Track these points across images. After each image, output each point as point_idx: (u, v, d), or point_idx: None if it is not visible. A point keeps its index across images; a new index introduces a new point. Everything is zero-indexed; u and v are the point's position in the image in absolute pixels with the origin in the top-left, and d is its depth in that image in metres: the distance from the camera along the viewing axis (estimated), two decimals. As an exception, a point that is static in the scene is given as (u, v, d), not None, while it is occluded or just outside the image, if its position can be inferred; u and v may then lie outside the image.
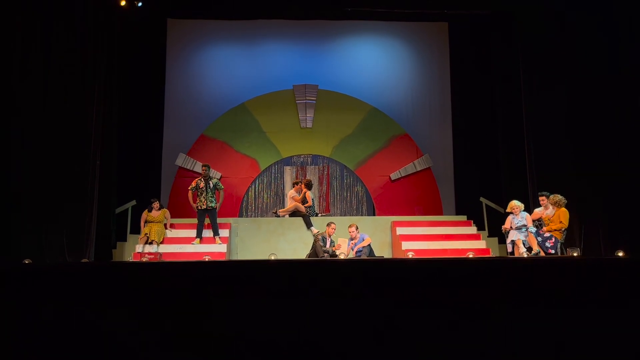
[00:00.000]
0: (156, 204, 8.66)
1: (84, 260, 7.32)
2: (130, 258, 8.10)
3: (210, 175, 8.72)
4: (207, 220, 8.56)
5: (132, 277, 3.64)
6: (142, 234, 8.32)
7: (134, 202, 9.28)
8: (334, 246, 8.19)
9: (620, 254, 6.32)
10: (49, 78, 7.78)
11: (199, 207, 8.47)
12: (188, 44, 10.75)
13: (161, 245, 8.27)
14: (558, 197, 7.51)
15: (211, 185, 8.52)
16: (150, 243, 8.18)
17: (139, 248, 8.16)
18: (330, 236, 8.26)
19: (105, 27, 8.45)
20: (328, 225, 8.30)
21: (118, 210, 9.15)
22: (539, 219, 7.70)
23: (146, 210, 8.65)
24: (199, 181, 8.59)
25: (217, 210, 8.59)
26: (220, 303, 3.41)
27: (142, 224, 8.57)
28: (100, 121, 8.21)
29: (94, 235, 7.97)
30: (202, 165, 8.78)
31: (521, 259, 5.98)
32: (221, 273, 3.63)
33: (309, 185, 9.42)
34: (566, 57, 8.42)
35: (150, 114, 10.32)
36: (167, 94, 10.56)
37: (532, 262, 4.19)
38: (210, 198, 8.46)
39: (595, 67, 8.11)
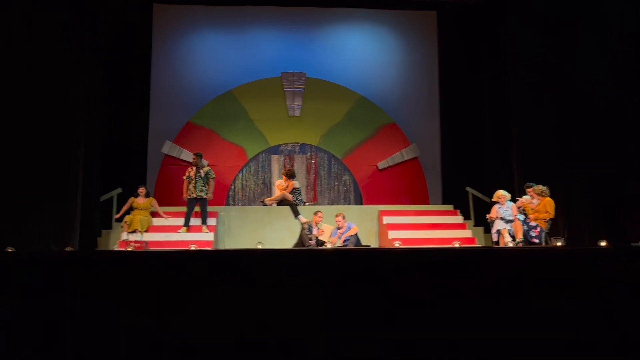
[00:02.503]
0: (141, 190, 8.58)
1: (68, 249, 7.25)
2: (115, 246, 8.04)
3: (203, 164, 8.62)
4: (196, 209, 8.49)
5: (117, 265, 3.61)
6: (123, 222, 8.23)
7: (119, 190, 9.19)
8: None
9: (603, 243, 6.39)
10: (32, 64, 7.63)
11: (189, 196, 8.41)
12: (174, 29, 10.60)
13: (147, 233, 8.20)
14: (541, 187, 7.62)
15: (202, 174, 8.44)
16: (134, 232, 8.11)
17: (124, 236, 8.09)
18: (317, 224, 8.27)
19: (90, 12, 8.30)
20: (315, 214, 8.31)
21: (103, 198, 9.07)
22: (521, 208, 7.77)
23: (133, 197, 8.59)
24: (190, 170, 8.53)
25: (207, 200, 8.50)
26: (205, 292, 3.40)
27: (124, 207, 8.48)
28: (84, 108, 8.09)
29: (79, 224, 7.89)
30: (193, 155, 8.69)
31: (507, 249, 6.04)
32: (207, 262, 3.61)
33: (289, 175, 9.31)
34: (555, 48, 8.43)
35: (136, 101, 10.17)
36: (153, 80, 10.43)
37: (518, 253, 4.23)
38: (200, 187, 8.38)
39: (583, 60, 8.13)
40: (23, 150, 7.39)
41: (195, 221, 8.51)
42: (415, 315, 3.34)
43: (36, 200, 7.41)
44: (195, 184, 8.37)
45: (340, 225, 8.11)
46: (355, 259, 3.64)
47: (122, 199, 8.95)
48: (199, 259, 3.71)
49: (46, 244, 7.33)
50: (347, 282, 3.43)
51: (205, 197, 8.42)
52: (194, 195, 8.37)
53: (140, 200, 8.51)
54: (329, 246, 7.61)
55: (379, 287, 3.40)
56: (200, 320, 3.36)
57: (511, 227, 7.64)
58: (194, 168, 8.49)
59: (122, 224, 8.24)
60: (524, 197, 7.88)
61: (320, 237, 8.03)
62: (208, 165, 8.72)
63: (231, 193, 10.47)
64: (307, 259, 3.64)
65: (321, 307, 3.41)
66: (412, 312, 3.36)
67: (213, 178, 8.59)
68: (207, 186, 8.46)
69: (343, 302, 3.39)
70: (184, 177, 8.55)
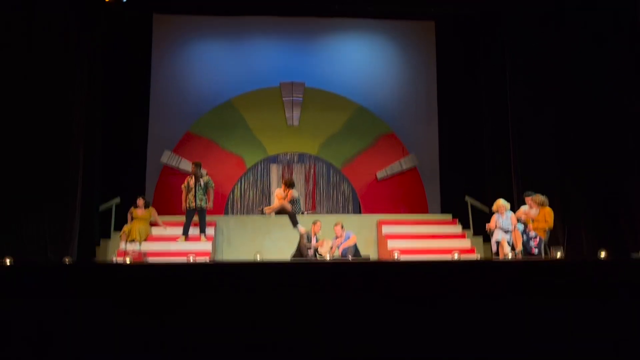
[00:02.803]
0: (140, 201, 8.55)
1: (66, 258, 7.22)
2: (114, 256, 8.01)
3: (202, 173, 8.59)
4: (195, 219, 8.46)
5: (115, 278, 3.59)
6: (122, 232, 8.21)
7: (118, 200, 9.18)
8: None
9: (603, 254, 6.38)
10: (31, 71, 7.63)
11: (188, 206, 8.38)
12: (174, 39, 10.63)
13: (146, 242, 8.17)
14: (541, 197, 7.60)
15: (202, 184, 8.41)
16: (132, 241, 8.07)
17: (122, 246, 8.06)
18: (315, 234, 8.25)
19: (90, 21, 8.32)
20: (314, 223, 8.29)
21: (102, 207, 9.05)
22: (522, 219, 7.76)
23: (132, 207, 8.57)
24: (189, 179, 8.50)
25: (207, 209, 8.47)
26: (204, 305, 3.39)
27: (129, 217, 8.48)
28: (83, 116, 8.09)
29: (77, 233, 7.86)
30: (192, 164, 8.67)
31: (507, 262, 6.03)
32: (205, 275, 3.60)
33: (288, 184, 9.29)
34: (553, 57, 8.47)
35: (135, 110, 10.17)
36: (152, 89, 10.42)
37: (519, 265, 4.22)
38: (200, 197, 8.36)
39: (582, 69, 8.17)
40: (21, 159, 7.38)
41: (194, 230, 8.48)
42: (415, 332, 3.33)
43: (35, 209, 7.40)
44: (195, 193, 8.34)
45: (338, 234, 8.08)
46: (354, 272, 3.63)
47: (121, 209, 8.93)
48: (197, 271, 3.70)
49: (44, 254, 7.31)
50: (346, 295, 3.42)
51: (205, 206, 8.39)
52: (193, 205, 8.33)
53: (139, 211, 8.48)
54: (327, 256, 7.58)
55: (378, 299, 3.39)
56: (198, 334, 3.34)
57: (510, 237, 7.63)
58: (193, 178, 8.46)
59: (121, 233, 8.21)
60: (523, 207, 7.87)
61: (319, 249, 7.97)
62: (207, 174, 8.69)
63: (230, 202, 10.45)
64: (306, 271, 3.63)
65: (320, 318, 3.39)
66: (413, 326, 3.35)
67: (212, 188, 8.57)
68: (206, 196, 8.43)
69: (342, 315, 3.38)
70: (183, 187, 8.52)
